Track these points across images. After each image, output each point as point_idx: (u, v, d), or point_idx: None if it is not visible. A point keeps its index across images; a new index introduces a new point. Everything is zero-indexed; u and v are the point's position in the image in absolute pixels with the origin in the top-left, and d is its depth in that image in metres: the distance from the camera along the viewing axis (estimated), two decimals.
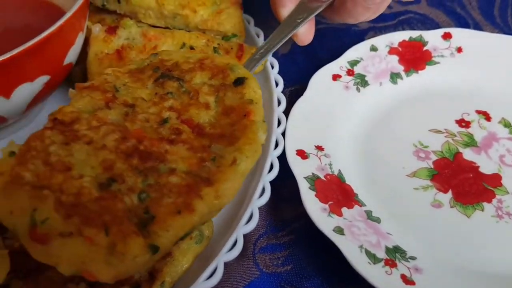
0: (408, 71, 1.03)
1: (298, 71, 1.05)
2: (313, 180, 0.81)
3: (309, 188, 0.80)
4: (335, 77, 0.99)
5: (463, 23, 1.21)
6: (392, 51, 1.05)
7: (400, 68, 1.03)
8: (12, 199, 0.54)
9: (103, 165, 0.58)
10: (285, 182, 0.83)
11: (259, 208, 0.77)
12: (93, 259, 0.51)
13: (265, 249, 0.80)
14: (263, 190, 0.78)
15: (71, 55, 0.79)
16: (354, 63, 1.02)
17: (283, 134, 0.87)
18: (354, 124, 0.95)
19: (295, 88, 1.02)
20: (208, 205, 0.58)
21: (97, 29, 0.85)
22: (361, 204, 0.82)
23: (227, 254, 0.70)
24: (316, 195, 0.79)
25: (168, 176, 0.59)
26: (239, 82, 0.71)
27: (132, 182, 0.58)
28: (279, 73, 0.97)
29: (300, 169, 0.82)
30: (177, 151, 0.62)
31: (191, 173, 0.60)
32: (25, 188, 0.55)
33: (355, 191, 0.84)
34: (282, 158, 0.82)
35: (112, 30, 0.85)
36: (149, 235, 0.54)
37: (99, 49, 0.84)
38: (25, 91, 0.74)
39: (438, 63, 1.05)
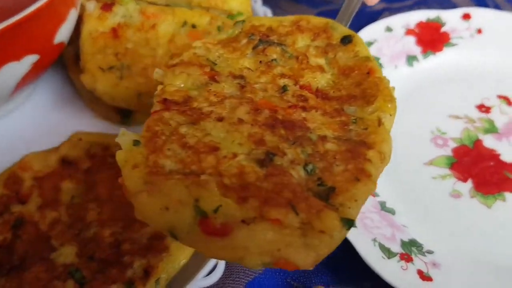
0: (425, 53, 0.97)
1: None
2: None
3: None
4: None
5: (482, 4, 1.14)
6: (408, 32, 0.98)
7: (417, 50, 0.97)
8: (162, 193, 0.47)
9: (252, 140, 0.52)
10: None
11: None
12: (289, 244, 0.44)
13: None
14: None
15: (63, 34, 0.74)
16: (367, 44, 0.95)
17: None
18: None
19: None
20: (377, 168, 0.52)
21: (91, 6, 0.79)
22: (374, 194, 0.76)
23: None
24: None
25: (323, 143, 0.53)
26: (347, 40, 0.65)
27: (292, 154, 0.52)
28: None
29: None
30: (313, 117, 0.57)
31: (341, 138, 0.55)
32: (174, 177, 0.48)
33: None
34: None
35: (107, 7, 0.79)
36: (335, 208, 0.48)
37: (94, 27, 0.79)
38: (11, 71, 0.68)
39: (457, 45, 0.99)
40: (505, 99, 0.92)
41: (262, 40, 0.65)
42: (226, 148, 0.51)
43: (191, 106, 0.56)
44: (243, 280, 0.68)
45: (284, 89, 0.60)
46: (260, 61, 0.63)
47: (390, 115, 0.58)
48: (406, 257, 0.67)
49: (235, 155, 0.51)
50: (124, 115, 0.82)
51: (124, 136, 0.52)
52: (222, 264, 0.63)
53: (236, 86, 0.59)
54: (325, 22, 0.68)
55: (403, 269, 0.65)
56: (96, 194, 0.67)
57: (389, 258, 0.66)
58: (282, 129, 0.54)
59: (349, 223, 0.47)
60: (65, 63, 0.87)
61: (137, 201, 0.48)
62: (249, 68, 0.63)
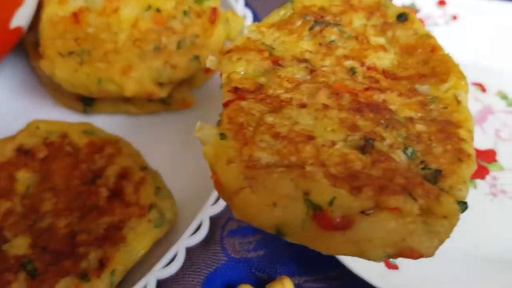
0: None
1: None
2: None
3: None
4: None
5: None
6: None
7: None
8: (267, 188, 0.44)
9: (345, 126, 0.50)
10: None
11: None
12: (412, 233, 0.43)
13: (235, 232, 0.72)
14: None
15: (20, 18, 0.71)
16: None
17: None
18: None
19: None
20: (471, 146, 0.51)
21: None
22: None
23: (189, 239, 0.63)
24: None
25: (413, 125, 0.52)
26: (404, 17, 0.63)
27: (390, 138, 0.50)
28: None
29: None
30: (391, 99, 0.55)
31: (425, 118, 0.53)
32: (277, 170, 0.45)
33: None
34: None
35: None
36: (446, 192, 0.46)
37: (54, 11, 0.76)
38: None
39: (432, 32, 0.97)
40: (479, 86, 0.91)
41: (317, 21, 0.62)
42: (321, 136, 0.49)
43: (267, 94, 0.53)
44: (204, 271, 0.66)
45: (352, 71, 0.57)
46: (320, 43, 0.60)
47: (465, 92, 0.56)
48: None
49: (333, 143, 0.48)
50: (86, 103, 0.80)
51: (206, 130, 0.49)
52: (181, 255, 0.61)
53: (305, 71, 0.56)
54: (376, 0, 0.65)
55: None
56: (52, 183, 0.64)
57: None
58: (369, 112, 0.52)
59: (464, 206, 0.46)
60: (27, 50, 0.84)
61: (239, 199, 0.45)
62: (310, 51, 0.59)
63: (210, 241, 0.69)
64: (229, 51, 0.57)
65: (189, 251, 0.63)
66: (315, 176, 0.44)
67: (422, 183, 0.46)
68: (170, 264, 0.60)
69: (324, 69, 0.57)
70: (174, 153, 0.78)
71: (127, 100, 0.79)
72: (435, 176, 0.48)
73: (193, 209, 0.67)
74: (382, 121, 0.51)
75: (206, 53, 0.80)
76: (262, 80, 0.55)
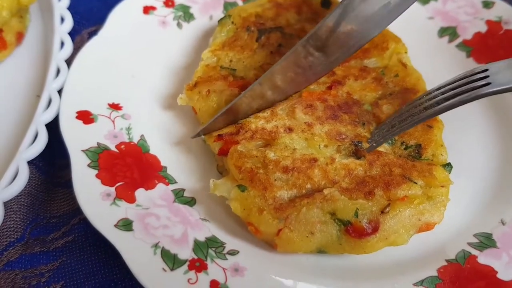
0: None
1: (107, 7, 0.77)
2: (97, 154, 0.57)
3: (89, 165, 0.55)
4: (147, 9, 0.74)
5: None
6: None
7: None
8: (301, 222, 0.50)
9: (332, 138, 0.56)
10: (66, 159, 0.57)
11: (9, 204, 0.54)
12: (423, 210, 0.52)
13: (16, 263, 0.53)
14: (16, 176, 0.54)
15: None
16: None
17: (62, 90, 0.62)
18: None
19: (97, 29, 0.74)
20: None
21: None
22: (168, 181, 0.58)
23: None
24: (97, 175, 0.55)
25: (380, 108, 0.59)
26: (328, 3, 0.71)
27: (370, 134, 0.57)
28: (78, 9, 0.78)
29: (78, 139, 0.58)
30: (352, 88, 0.61)
31: (385, 95, 0.61)
32: (302, 203, 0.51)
33: (162, 163, 0.59)
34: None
35: None
36: (431, 160, 0.56)
37: None
38: None
39: None
40: None
41: (260, 30, 0.66)
42: (320, 154, 0.54)
43: (251, 129, 0.56)
44: None
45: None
46: (271, 52, 0.64)
47: (405, 53, 0.64)
48: (198, 265, 0.49)
49: (332, 159, 0.54)
50: None
51: (222, 186, 0.53)
52: None
53: None
54: None
55: (191, 283, 0.48)
56: None
57: (172, 269, 0.48)
58: (344, 114, 0.58)
59: (449, 168, 0.55)
60: None
61: (281, 239, 0.50)
62: (268, 63, 0.63)
63: None
64: (195, 85, 0.60)
65: None
66: (334, 196, 0.51)
67: (414, 164, 0.54)
68: None
69: None
70: None
71: None
72: (418, 151, 0.56)
73: None
74: (357, 120, 0.57)
75: None
76: None
